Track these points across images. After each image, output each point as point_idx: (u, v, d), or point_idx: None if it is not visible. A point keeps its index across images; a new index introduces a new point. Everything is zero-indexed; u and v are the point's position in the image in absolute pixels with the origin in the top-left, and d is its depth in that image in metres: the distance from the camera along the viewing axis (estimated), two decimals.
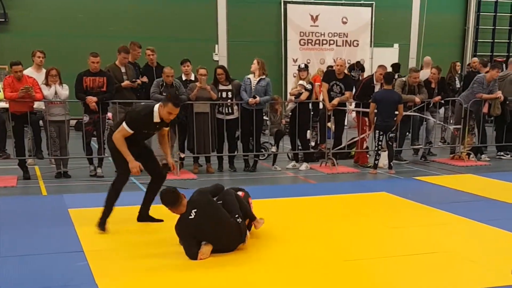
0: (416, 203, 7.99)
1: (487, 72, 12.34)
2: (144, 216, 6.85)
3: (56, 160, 10.10)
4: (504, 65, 16.37)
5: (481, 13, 22.97)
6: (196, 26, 19.49)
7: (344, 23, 21.18)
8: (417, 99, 11.50)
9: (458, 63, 14.38)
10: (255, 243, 5.95)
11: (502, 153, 12.72)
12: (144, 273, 5.10)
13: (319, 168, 11.15)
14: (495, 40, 23.23)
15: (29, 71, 10.31)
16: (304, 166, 11.19)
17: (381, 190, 8.86)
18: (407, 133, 12.37)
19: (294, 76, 14.02)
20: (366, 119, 11.31)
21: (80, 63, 10.76)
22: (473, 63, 14.70)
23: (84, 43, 16.33)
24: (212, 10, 19.92)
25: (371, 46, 21.50)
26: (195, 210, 5.48)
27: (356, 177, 10.60)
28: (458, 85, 13.72)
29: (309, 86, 11.05)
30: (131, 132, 6.23)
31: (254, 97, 10.45)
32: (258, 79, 10.64)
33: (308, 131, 11.67)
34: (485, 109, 12.16)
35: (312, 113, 11.36)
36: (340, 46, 21.20)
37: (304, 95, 10.94)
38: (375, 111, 10.67)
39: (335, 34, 21.13)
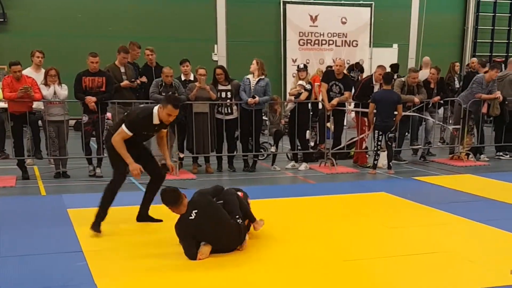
0: (415, 203, 7.99)
1: (485, 72, 12.34)
2: (143, 216, 6.84)
3: (55, 160, 10.10)
4: (503, 65, 16.39)
5: (480, 13, 22.98)
6: (195, 26, 19.48)
7: (343, 23, 21.19)
8: (416, 99, 11.51)
9: (457, 63, 14.37)
10: (255, 243, 5.94)
11: (501, 153, 12.73)
12: (143, 273, 5.10)
13: (318, 168, 11.15)
14: (494, 41, 23.23)
15: (28, 71, 10.31)
16: (303, 166, 11.19)
17: (380, 190, 8.86)
18: (406, 133, 12.38)
19: (293, 76, 14.01)
20: (365, 119, 11.32)
21: (79, 63, 10.75)
22: (472, 63, 14.70)
23: (83, 43, 16.33)
24: (212, 10, 19.92)
25: (370, 46, 21.50)
26: (196, 211, 5.47)
27: (355, 177, 10.60)
28: (457, 85, 13.72)
29: (308, 86, 11.06)
30: (130, 134, 6.20)
31: (253, 97, 10.45)
32: (257, 79, 10.64)
33: (308, 131, 11.67)
34: (484, 109, 12.16)
35: (311, 113, 11.36)
36: (339, 46, 21.20)
37: (304, 95, 10.94)
38: (374, 111, 10.67)
39: (334, 34, 21.14)
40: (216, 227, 5.53)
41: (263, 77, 10.67)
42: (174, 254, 5.54)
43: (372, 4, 21.34)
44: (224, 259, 5.47)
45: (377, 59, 18.82)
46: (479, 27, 23.10)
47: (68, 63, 12.93)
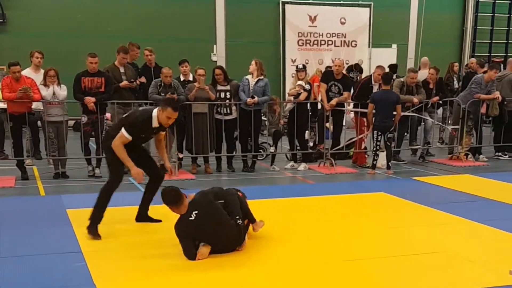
0: (415, 203, 8.00)
1: (484, 72, 12.36)
2: (142, 216, 6.84)
3: (54, 161, 10.10)
4: (502, 65, 16.39)
5: (479, 14, 22.97)
6: (194, 26, 19.47)
7: (343, 23, 21.18)
8: (415, 100, 11.51)
9: (456, 64, 14.39)
10: (254, 243, 5.95)
11: (500, 154, 12.73)
12: (143, 274, 5.11)
13: (317, 168, 11.16)
14: (493, 41, 23.22)
15: (27, 72, 10.30)
16: (302, 166, 11.20)
17: (379, 191, 8.87)
18: (405, 134, 12.38)
19: (293, 77, 14.02)
20: (365, 119, 11.31)
21: (78, 63, 10.74)
22: (471, 63, 14.71)
23: (83, 44, 16.31)
24: (211, 11, 19.90)
25: (369, 47, 21.48)
26: (196, 211, 5.47)
27: (355, 177, 10.61)
28: (456, 86, 13.74)
29: (307, 87, 11.06)
30: (130, 138, 6.17)
31: (252, 97, 10.46)
32: (256, 79, 10.64)
33: (307, 132, 11.67)
34: (483, 110, 12.16)
35: (310, 113, 11.37)
36: (338, 46, 21.18)
37: (303, 95, 10.94)
38: (373, 111, 10.67)
39: (333, 35, 21.12)
40: (216, 228, 5.53)
41: (262, 77, 10.67)
42: (173, 254, 5.54)
43: (371, 4, 21.33)
44: (223, 260, 5.47)
45: (376, 59, 18.82)
46: (478, 27, 23.09)
47: (67, 64, 12.91)
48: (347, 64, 16.48)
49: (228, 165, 10.92)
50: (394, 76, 12.31)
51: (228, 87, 10.62)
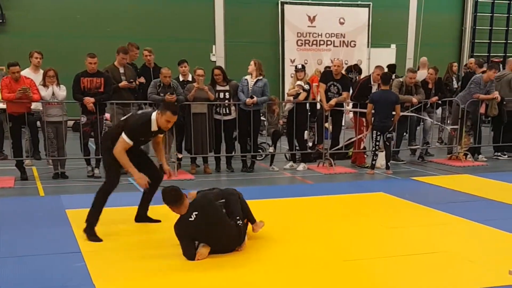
0: (414, 203, 8.00)
1: (483, 72, 12.36)
2: (141, 217, 6.84)
3: (53, 161, 10.10)
4: (501, 65, 16.40)
5: (478, 14, 22.99)
6: (193, 26, 19.48)
7: (342, 23, 21.19)
8: (414, 100, 11.51)
9: (455, 64, 14.39)
10: (254, 244, 5.95)
11: (499, 154, 12.74)
12: (142, 274, 5.11)
13: (316, 169, 11.16)
14: (492, 41, 23.25)
15: (26, 72, 10.30)
16: (301, 166, 11.20)
17: (378, 191, 8.87)
18: (404, 134, 12.39)
19: (292, 77, 14.03)
20: (364, 119, 11.32)
21: (78, 64, 10.74)
22: (470, 63, 14.72)
23: (82, 44, 16.33)
24: (210, 11, 19.91)
25: (368, 47, 21.50)
26: (196, 212, 5.46)
27: (354, 177, 10.61)
28: (455, 86, 13.74)
29: (306, 87, 11.07)
30: (132, 143, 6.15)
31: (252, 98, 10.46)
32: (255, 80, 10.64)
33: (306, 132, 11.68)
34: (482, 110, 12.16)
35: (309, 113, 11.37)
36: (337, 46, 21.19)
37: (302, 95, 10.94)
38: (373, 111, 10.68)
39: (333, 35, 21.14)
40: (216, 229, 5.53)
41: (261, 77, 10.67)
42: (172, 254, 5.54)
43: (370, 4, 21.34)
44: (223, 260, 5.47)
45: (375, 60, 18.84)
46: (477, 27, 23.11)
47: (67, 64, 12.92)
48: (346, 64, 16.51)
49: (227, 165, 10.93)
50: (393, 76, 12.31)
51: (227, 87, 10.62)
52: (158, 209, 6.68)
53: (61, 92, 9.85)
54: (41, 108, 9.93)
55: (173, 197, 5.51)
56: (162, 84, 10.04)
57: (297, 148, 11.44)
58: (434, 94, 12.08)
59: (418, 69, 13.54)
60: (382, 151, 10.87)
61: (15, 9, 18.06)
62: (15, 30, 18.02)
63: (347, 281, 5.01)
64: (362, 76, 13.76)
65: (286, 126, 11.68)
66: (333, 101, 11.00)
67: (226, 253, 5.62)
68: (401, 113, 10.99)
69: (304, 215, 7.33)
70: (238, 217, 5.72)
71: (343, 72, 12.10)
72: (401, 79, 11.96)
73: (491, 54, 22.76)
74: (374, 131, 10.66)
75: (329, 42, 21.14)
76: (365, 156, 11.82)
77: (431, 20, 21.21)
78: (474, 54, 22.29)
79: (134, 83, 10.40)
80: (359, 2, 21.32)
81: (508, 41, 23.26)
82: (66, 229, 6.49)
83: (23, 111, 9.55)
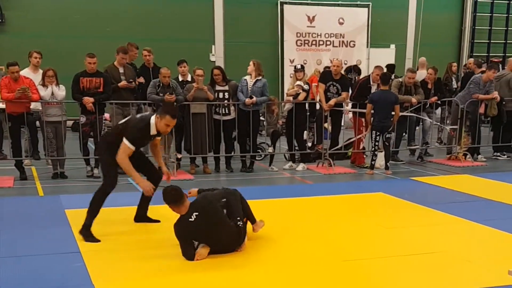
0: (413, 203, 8.00)
1: (482, 72, 12.37)
2: (141, 217, 6.84)
3: (52, 161, 10.09)
4: (500, 65, 16.41)
5: (477, 14, 23.01)
6: (192, 26, 19.48)
7: (341, 23, 21.19)
8: (414, 100, 11.51)
9: (455, 64, 14.40)
10: (253, 244, 5.95)
11: (498, 154, 12.74)
12: (141, 274, 5.11)
13: (316, 169, 11.16)
14: (492, 41, 23.27)
15: (25, 72, 10.30)
16: (300, 166, 11.20)
17: (377, 191, 8.87)
18: (404, 134, 12.39)
19: (291, 77, 14.03)
20: (363, 119, 11.33)
21: (77, 64, 10.74)
22: (470, 63, 14.72)
23: (81, 44, 16.31)
24: (209, 11, 19.91)
25: (367, 47, 21.50)
26: (196, 213, 5.45)
27: (353, 177, 10.61)
28: (454, 86, 13.75)
29: (306, 87, 11.07)
30: (134, 148, 6.12)
31: (251, 98, 10.46)
32: (254, 80, 10.65)
33: (305, 132, 11.68)
34: (481, 110, 12.16)
35: (308, 113, 11.37)
36: (336, 46, 21.20)
37: (302, 95, 10.95)
38: (372, 111, 10.68)
39: (332, 35, 21.14)
40: (216, 230, 5.52)
41: (260, 78, 10.68)
42: (172, 255, 5.54)
43: (369, 4, 21.35)
44: (222, 260, 5.47)
45: (375, 60, 18.86)
46: (476, 27, 23.12)
47: (66, 64, 12.92)
48: (346, 64, 16.52)
49: (226, 166, 10.93)
50: (393, 76, 12.30)
51: (226, 87, 10.62)
52: (158, 209, 6.68)
53: (60, 92, 9.84)
54: (40, 108, 9.94)
55: (173, 197, 5.50)
56: (161, 84, 10.04)
57: (297, 148, 11.44)
58: (433, 94, 12.07)
59: (417, 69, 13.54)
60: (382, 151, 10.87)
61: (15, 9, 18.06)
62: (15, 30, 18.02)
63: (346, 281, 5.01)
64: (362, 76, 13.77)
65: (285, 126, 11.68)
66: (332, 101, 11.00)
67: (226, 253, 5.61)
68: (401, 113, 11.00)
69: (303, 215, 7.33)
70: (238, 218, 5.72)
71: (343, 72, 12.10)
72: (400, 79, 11.96)
73: (490, 54, 22.77)
74: (373, 131, 10.66)
75: (328, 42, 21.14)
76: (365, 156, 11.82)
77: (431, 20, 21.21)
78: (474, 54, 22.30)
79: (133, 83, 10.40)
80: (358, 2, 21.33)
81: (508, 41, 23.27)
82: (66, 229, 6.49)
83: (22, 111, 9.54)
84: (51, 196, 8.50)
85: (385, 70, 12.12)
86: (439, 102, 12.38)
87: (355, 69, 14.37)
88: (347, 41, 21.32)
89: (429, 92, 12.01)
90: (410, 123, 11.92)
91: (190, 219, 5.43)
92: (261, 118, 12.24)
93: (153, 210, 6.80)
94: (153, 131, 6.19)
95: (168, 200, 5.53)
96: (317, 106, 11.73)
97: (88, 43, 15.77)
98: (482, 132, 12.57)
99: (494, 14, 23.10)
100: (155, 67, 11.05)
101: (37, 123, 10.17)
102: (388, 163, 10.82)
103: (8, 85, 9.47)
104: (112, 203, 6.45)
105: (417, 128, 12.56)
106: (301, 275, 5.09)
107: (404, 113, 11.44)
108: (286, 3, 20.65)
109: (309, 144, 12.19)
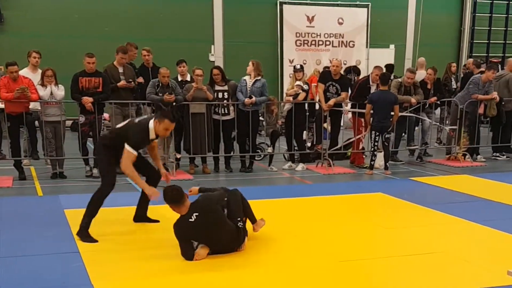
0: (412, 203, 8.00)
1: (480, 72, 12.37)
2: (140, 217, 6.83)
3: (51, 161, 10.09)
4: (499, 66, 16.40)
5: (476, 14, 23.02)
6: (192, 26, 19.47)
7: (340, 24, 21.20)
8: (413, 100, 11.51)
9: (454, 64, 14.39)
10: (252, 244, 5.94)
11: (497, 154, 12.74)
12: (141, 274, 5.10)
13: (315, 169, 11.16)
14: (491, 41, 23.27)
15: (24, 72, 10.28)
16: (300, 166, 11.19)
17: (377, 191, 8.87)
18: (403, 134, 12.39)
19: (290, 77, 14.03)
20: (362, 119, 11.32)
21: (76, 63, 10.74)
22: (469, 64, 14.72)
23: (80, 44, 16.29)
24: (208, 11, 19.91)
25: (367, 47, 21.51)
26: (197, 214, 5.44)
27: (352, 177, 10.61)
28: (454, 86, 13.74)
29: (305, 87, 11.07)
30: (136, 153, 6.11)
31: (250, 97, 10.45)
32: (253, 80, 10.64)
33: (304, 132, 11.68)
34: (480, 110, 12.16)
35: (308, 113, 11.37)
36: (336, 47, 21.20)
37: (302, 95, 10.95)
38: (371, 112, 10.68)
39: (331, 35, 21.15)
40: (215, 231, 5.52)
41: (259, 78, 10.67)
42: (171, 255, 5.53)
43: (369, 4, 21.35)
44: (221, 261, 5.46)
45: (374, 60, 18.87)
46: (475, 27, 23.12)
47: (65, 64, 12.92)
48: (345, 64, 16.51)
49: (226, 166, 10.92)
50: (392, 76, 12.30)
51: (226, 87, 10.62)
52: (157, 209, 6.68)
53: (60, 91, 9.83)
54: (39, 108, 9.92)
55: (174, 197, 5.49)
56: (160, 84, 10.04)
57: (296, 148, 11.44)
58: (432, 94, 12.07)
59: (416, 70, 13.54)
60: (381, 152, 10.87)
61: (14, 9, 18.05)
62: (14, 30, 18.01)
63: (346, 282, 5.01)
64: (361, 76, 13.76)
65: (284, 126, 11.68)
66: (331, 101, 11.00)
67: (226, 253, 5.61)
68: (400, 114, 10.99)
69: (302, 216, 7.32)
70: (239, 218, 5.71)
71: (342, 72, 12.10)
72: (399, 80, 11.96)
73: (489, 55, 22.78)
74: (373, 132, 10.66)
75: (327, 42, 21.15)
76: (364, 156, 11.82)
77: (430, 21, 21.22)
78: (473, 54, 22.30)
79: (133, 83, 10.39)
80: (357, 2, 21.34)
81: (507, 42, 23.28)
82: (65, 229, 6.48)
83: (21, 110, 9.53)
84: (50, 196, 8.50)
85: (384, 70, 12.12)
86: (438, 102, 12.38)
87: (355, 70, 14.36)
88: (346, 41, 21.32)
89: (428, 93, 12.00)
90: (409, 123, 11.91)
91: (190, 220, 5.42)
92: (261, 118, 12.24)
93: (152, 210, 6.80)
94: (152, 136, 6.19)
95: (168, 200, 5.52)
96: (317, 106, 11.73)
97: (87, 43, 15.76)
98: (482, 133, 12.58)
99: (493, 15, 23.11)
100: (154, 67, 11.04)
101: (36, 123, 10.16)
102: (387, 163, 10.83)
103: (7, 85, 9.46)
104: (111, 203, 6.44)
105: (416, 128, 12.55)
106: (301, 275, 5.09)
107: (404, 113, 11.43)
108: (285, 3, 20.65)
109: (309, 144, 12.19)
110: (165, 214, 6.37)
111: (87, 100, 9.67)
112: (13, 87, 9.38)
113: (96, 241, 6.04)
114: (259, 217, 6.19)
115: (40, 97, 9.64)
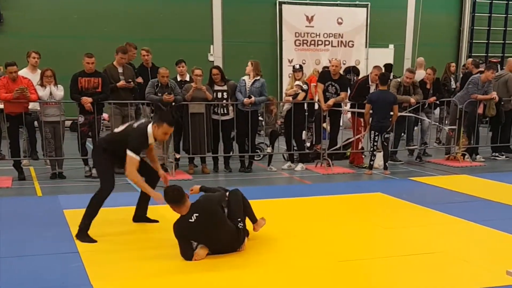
0: (411, 203, 8.00)
1: (479, 72, 12.37)
2: (139, 217, 6.83)
3: (51, 161, 10.09)
4: (498, 65, 16.40)
5: (476, 14, 23.02)
6: (191, 26, 19.47)
7: (340, 23, 21.19)
8: (412, 100, 11.51)
9: (453, 64, 14.39)
10: (252, 244, 5.94)
11: (497, 154, 12.74)
12: (140, 274, 5.10)
13: (314, 169, 11.16)
14: (490, 41, 23.28)
15: (24, 72, 10.28)
16: (299, 166, 11.20)
17: (376, 191, 8.88)
18: (402, 134, 12.39)
19: (289, 77, 14.03)
20: (362, 119, 11.33)
21: (75, 64, 10.74)
22: (468, 64, 14.72)
23: (79, 44, 16.30)
24: (207, 11, 19.90)
25: (366, 47, 21.50)
26: (197, 214, 5.44)
27: (352, 177, 10.62)
28: (453, 86, 13.75)
29: (305, 87, 11.07)
30: (139, 159, 6.11)
31: (249, 97, 10.45)
32: (252, 80, 10.64)
33: (304, 132, 11.67)
34: (480, 110, 12.16)
35: (307, 113, 11.37)
36: (335, 46, 21.19)
37: (301, 95, 10.95)
38: (370, 111, 10.68)
39: (331, 35, 21.13)
40: (215, 232, 5.51)
41: (258, 78, 10.68)
42: (171, 255, 5.53)
43: (368, 4, 21.34)
44: (220, 261, 5.47)
45: (373, 60, 18.85)
46: (475, 27, 23.12)
47: (64, 64, 12.94)
48: (344, 64, 16.51)
49: (225, 166, 10.92)
50: (391, 76, 12.30)
51: (225, 87, 10.62)
52: (157, 209, 6.68)
53: (59, 92, 9.83)
54: (38, 108, 9.92)
55: (175, 197, 5.49)
56: (159, 84, 10.04)
57: (295, 148, 11.44)
58: (432, 94, 12.07)
59: (416, 69, 13.54)
60: (380, 152, 10.87)
61: (13, 9, 18.03)
62: (13, 30, 17.99)
63: (345, 282, 5.01)
64: (360, 76, 13.76)
65: (284, 126, 11.67)
66: (331, 101, 11.00)
67: (224, 253, 5.61)
68: (399, 114, 11.00)
69: (302, 216, 7.33)
70: (239, 219, 5.71)
71: (341, 72, 12.10)
72: (399, 79, 11.96)
73: (489, 55, 22.78)
74: (372, 132, 10.66)
75: (327, 42, 21.14)
76: (363, 156, 11.82)
77: (429, 21, 21.23)
78: (472, 54, 22.30)
79: (132, 83, 10.38)
80: (357, 2, 21.33)
81: (506, 42, 23.29)
82: (64, 229, 6.48)
83: (21, 111, 9.53)
84: (50, 196, 8.50)
85: (383, 69, 12.12)
86: (437, 102, 12.38)
87: (354, 70, 14.37)
88: (345, 41, 21.31)
89: (427, 92, 12.01)
90: (408, 123, 11.92)
91: (190, 220, 5.42)
92: (260, 118, 12.24)
93: (152, 210, 6.80)
94: (150, 140, 6.20)
95: (169, 200, 5.52)
96: (316, 106, 11.73)
97: (87, 43, 15.77)
98: (481, 132, 12.59)
99: (492, 15, 23.12)
100: (153, 67, 11.04)
101: (36, 123, 10.15)
102: (386, 163, 10.83)
103: (6, 85, 9.46)
104: (110, 203, 6.44)
105: (415, 128, 12.56)
106: (300, 275, 5.09)
107: (403, 113, 11.44)
108: (284, 3, 20.63)
109: (308, 144, 12.18)
110: (164, 214, 6.37)
111: (87, 100, 9.67)
112: (13, 88, 9.38)
113: (95, 241, 6.04)
114: (259, 217, 6.20)
115: (39, 97, 9.64)
